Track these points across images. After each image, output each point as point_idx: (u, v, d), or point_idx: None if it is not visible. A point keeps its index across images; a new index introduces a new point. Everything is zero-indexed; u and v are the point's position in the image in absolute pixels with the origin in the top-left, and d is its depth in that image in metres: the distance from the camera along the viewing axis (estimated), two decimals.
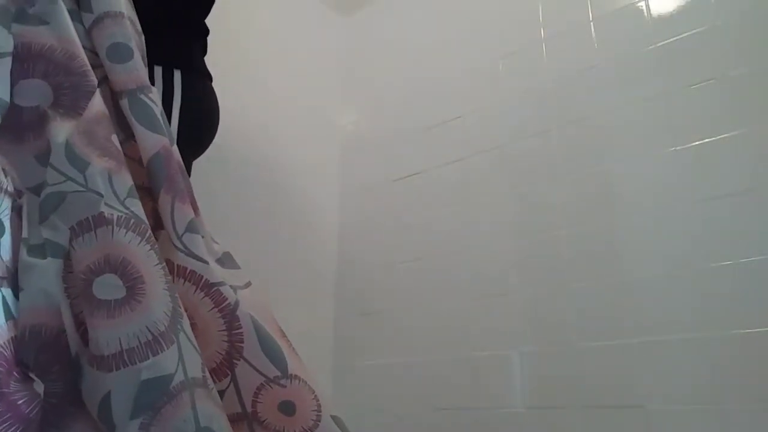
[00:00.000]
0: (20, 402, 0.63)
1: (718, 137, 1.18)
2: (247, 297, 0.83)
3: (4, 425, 0.61)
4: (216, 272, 0.81)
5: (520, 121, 1.51)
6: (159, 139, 0.85)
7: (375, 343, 1.59)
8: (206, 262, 0.81)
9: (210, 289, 0.79)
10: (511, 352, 1.33)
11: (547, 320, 1.31)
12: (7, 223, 0.71)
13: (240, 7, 1.68)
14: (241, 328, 0.78)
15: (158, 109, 0.87)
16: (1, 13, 0.81)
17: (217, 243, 0.88)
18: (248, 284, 0.86)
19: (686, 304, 1.14)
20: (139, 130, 0.84)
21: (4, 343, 0.64)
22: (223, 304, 0.79)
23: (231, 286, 0.81)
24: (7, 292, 0.68)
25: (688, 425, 1.08)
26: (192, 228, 0.82)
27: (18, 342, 0.66)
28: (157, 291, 0.72)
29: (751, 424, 1.02)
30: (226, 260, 0.86)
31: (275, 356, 0.79)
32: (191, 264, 0.79)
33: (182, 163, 0.88)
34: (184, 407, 0.67)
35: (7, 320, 0.66)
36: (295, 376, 0.78)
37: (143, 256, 0.73)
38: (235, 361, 0.77)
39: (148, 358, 0.67)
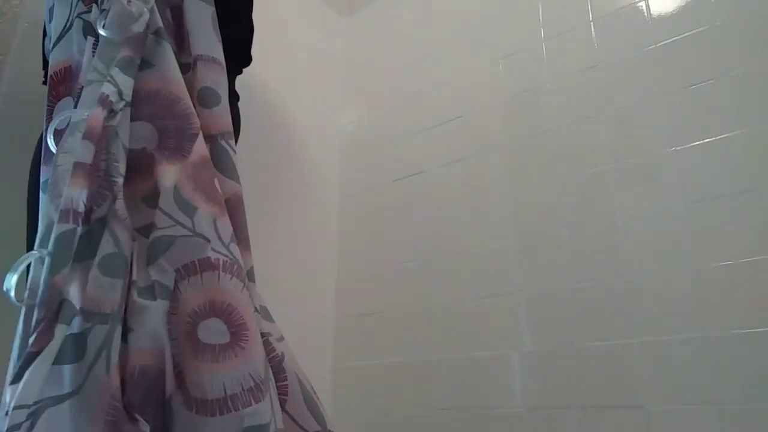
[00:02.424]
0: None
1: (718, 137, 1.19)
2: (285, 350, 0.84)
3: None
4: (263, 323, 0.82)
5: (520, 121, 1.51)
6: (232, 186, 0.87)
7: (375, 343, 1.59)
8: (258, 312, 0.82)
9: (261, 338, 0.80)
10: (511, 352, 1.33)
11: (547, 320, 1.31)
12: (128, 267, 0.74)
13: (239, 8, 1.68)
14: (286, 380, 0.79)
15: (235, 156, 0.90)
16: (129, 65, 0.83)
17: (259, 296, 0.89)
18: (282, 338, 0.86)
19: (686, 304, 1.14)
20: (217, 176, 0.86)
21: (119, 382, 0.66)
22: (272, 355, 0.79)
23: (274, 338, 0.82)
24: (119, 332, 0.69)
25: (688, 425, 1.08)
26: (251, 277, 0.84)
27: (126, 382, 0.67)
28: (257, 339, 0.74)
29: (751, 424, 1.02)
30: (264, 313, 0.86)
31: (316, 412, 0.79)
32: None
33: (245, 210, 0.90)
34: None
35: (120, 360, 0.68)
36: None
37: (246, 302, 0.75)
38: None
39: (251, 405, 0.68)
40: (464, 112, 1.63)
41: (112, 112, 0.79)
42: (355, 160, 1.88)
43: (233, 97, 1.15)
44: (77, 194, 0.72)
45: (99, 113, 0.77)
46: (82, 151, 0.74)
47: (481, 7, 1.70)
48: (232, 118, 0.95)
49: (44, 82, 0.91)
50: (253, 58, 1.25)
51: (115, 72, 0.81)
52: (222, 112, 0.90)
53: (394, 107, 1.82)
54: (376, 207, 1.75)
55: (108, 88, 0.80)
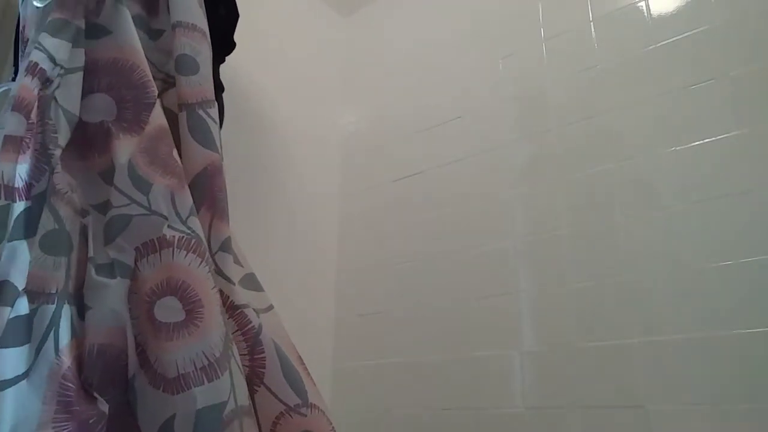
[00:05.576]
0: (91, 421, 0.63)
1: (718, 137, 1.18)
2: (269, 321, 0.82)
3: None
4: (241, 294, 0.80)
5: (520, 121, 1.51)
6: (209, 155, 0.84)
7: (375, 343, 1.59)
8: (233, 283, 0.80)
9: (234, 311, 0.78)
10: (511, 352, 1.33)
11: (547, 320, 1.31)
12: (75, 242, 0.72)
13: (239, 7, 1.68)
14: (263, 353, 0.77)
15: (215, 126, 0.87)
16: (73, 31, 0.81)
17: (241, 266, 0.87)
18: (270, 308, 0.85)
19: (686, 304, 1.14)
20: (191, 144, 0.84)
21: (71, 361, 0.65)
22: (247, 327, 0.78)
23: (255, 309, 0.80)
24: (72, 310, 0.68)
25: (688, 425, 1.08)
26: (225, 247, 0.82)
27: (84, 360, 0.66)
28: (213, 315, 0.72)
29: (751, 424, 1.02)
30: (248, 282, 0.85)
31: (296, 384, 0.77)
32: (220, 283, 0.78)
33: (224, 180, 0.87)
34: None
35: (72, 338, 0.66)
36: (315, 405, 0.77)
37: (202, 278, 0.73)
38: (255, 387, 0.76)
39: (203, 384, 0.66)
40: (464, 112, 1.63)
41: (47, 81, 0.76)
42: (355, 160, 1.88)
43: (218, 88, 1.14)
44: (9, 168, 0.70)
45: (28, 83, 0.74)
46: (11, 123, 0.72)
47: (481, 7, 1.70)
48: (221, 109, 0.93)
49: (14, 79, 0.89)
50: (236, 44, 1.20)
51: (43, 37, 0.78)
52: (200, 80, 0.87)
53: (394, 107, 1.82)
54: (376, 207, 1.75)
55: (36, 56, 0.77)
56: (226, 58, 1.26)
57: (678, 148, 1.23)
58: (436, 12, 1.83)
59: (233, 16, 1.20)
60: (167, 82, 0.89)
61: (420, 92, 1.76)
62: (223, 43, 1.16)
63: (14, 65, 1.00)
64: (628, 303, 1.20)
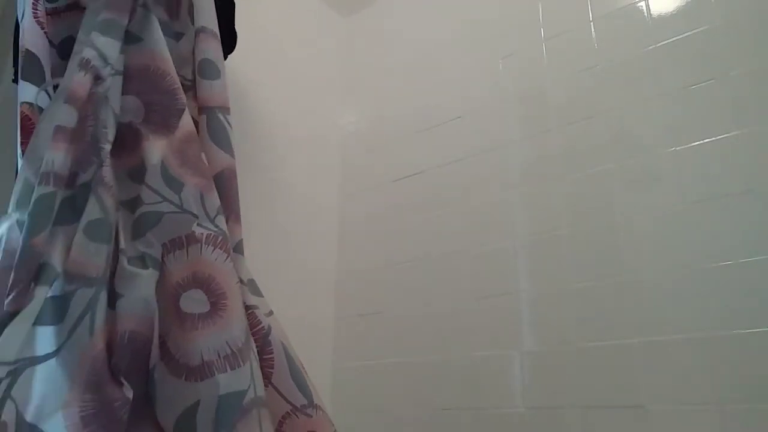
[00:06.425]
0: (116, 404, 0.65)
1: (718, 137, 1.18)
2: (274, 324, 0.84)
3: (100, 424, 0.62)
4: (249, 296, 0.82)
5: (520, 121, 1.51)
6: (226, 159, 0.88)
7: (375, 343, 1.59)
8: (245, 284, 0.82)
9: (246, 311, 0.80)
10: (511, 352, 1.33)
11: (547, 320, 1.31)
12: (113, 233, 0.75)
13: (239, 6, 1.68)
14: (272, 353, 0.79)
15: (231, 131, 0.90)
16: (121, 31, 0.84)
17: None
18: (270, 313, 0.86)
19: (686, 304, 1.14)
20: (210, 146, 0.87)
21: (103, 345, 0.67)
22: (257, 328, 0.80)
23: (262, 312, 0.83)
24: (104, 296, 0.70)
25: (688, 425, 1.08)
26: (239, 249, 0.85)
27: (115, 346, 0.68)
28: (237, 308, 0.75)
29: (751, 424, 1.02)
30: (251, 287, 0.87)
31: (302, 385, 0.79)
32: None
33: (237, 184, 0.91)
34: (253, 425, 0.68)
35: (105, 324, 0.69)
36: (319, 406, 0.79)
37: (228, 272, 0.76)
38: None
39: (226, 371, 0.68)
40: (464, 112, 1.63)
41: (98, 78, 0.79)
42: (355, 160, 1.88)
43: None
44: (60, 158, 0.73)
45: (81, 78, 0.78)
46: (63, 115, 0.75)
47: (481, 7, 1.70)
48: None
49: (14, 80, 0.90)
50: (237, 43, 1.22)
51: (95, 36, 0.82)
52: (221, 86, 0.91)
53: (394, 107, 1.82)
54: (376, 207, 1.75)
55: (88, 53, 0.80)
56: (228, 56, 1.26)
57: (678, 148, 1.23)
58: (436, 12, 1.83)
59: (229, 5, 1.20)
60: (184, 86, 0.92)
61: (420, 92, 1.76)
62: (222, 38, 1.17)
63: (14, 66, 1.00)
64: (628, 303, 1.20)
